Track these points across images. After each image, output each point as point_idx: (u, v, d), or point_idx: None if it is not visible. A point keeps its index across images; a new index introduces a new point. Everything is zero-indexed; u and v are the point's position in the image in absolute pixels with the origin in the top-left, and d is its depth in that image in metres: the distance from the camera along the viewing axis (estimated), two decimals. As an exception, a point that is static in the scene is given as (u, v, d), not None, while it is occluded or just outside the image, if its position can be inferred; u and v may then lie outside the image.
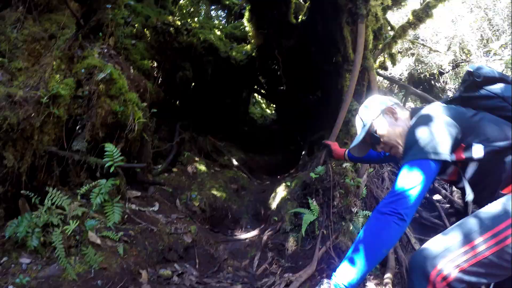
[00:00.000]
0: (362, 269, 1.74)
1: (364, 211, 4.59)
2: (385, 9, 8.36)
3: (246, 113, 11.82)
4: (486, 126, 2.04)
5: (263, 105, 15.36)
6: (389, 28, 9.71)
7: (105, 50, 4.83)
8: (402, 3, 9.03)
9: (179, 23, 7.64)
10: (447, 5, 8.73)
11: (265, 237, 4.99)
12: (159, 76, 7.51)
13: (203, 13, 11.39)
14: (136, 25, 6.76)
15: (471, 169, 2.06)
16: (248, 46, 8.90)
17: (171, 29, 7.32)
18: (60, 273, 3.12)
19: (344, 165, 5.11)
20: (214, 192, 5.97)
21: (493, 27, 12.66)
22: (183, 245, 4.46)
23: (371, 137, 2.38)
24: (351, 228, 4.45)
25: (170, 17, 7.67)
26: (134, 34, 6.63)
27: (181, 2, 9.98)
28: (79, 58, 4.39)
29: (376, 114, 2.36)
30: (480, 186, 2.08)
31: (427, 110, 2.21)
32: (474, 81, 2.17)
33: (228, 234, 5.58)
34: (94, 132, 4.27)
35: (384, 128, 2.32)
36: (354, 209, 4.66)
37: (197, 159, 6.92)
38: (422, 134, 2.01)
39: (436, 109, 2.16)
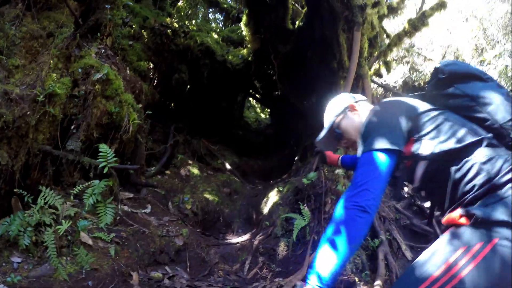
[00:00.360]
0: (335, 267, 1.67)
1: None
2: (381, 17, 8.41)
3: (241, 117, 11.85)
4: (442, 124, 1.94)
5: (258, 110, 15.38)
6: (385, 36, 9.76)
7: (102, 50, 4.84)
8: (398, 12, 9.10)
9: (176, 25, 7.66)
10: (443, 14, 8.79)
11: (256, 242, 5.00)
12: (155, 77, 7.53)
13: (200, 16, 11.39)
14: (133, 25, 6.78)
15: (420, 168, 1.97)
16: (245, 50, 8.93)
17: (169, 31, 7.33)
18: (51, 273, 3.12)
19: (336, 172, 5.14)
20: (207, 195, 5.98)
21: (488, 37, 12.77)
22: (174, 248, 4.46)
23: (334, 133, 2.38)
24: (342, 234, 4.46)
25: (168, 19, 7.70)
26: (131, 35, 6.64)
27: (179, 4, 9.99)
28: (76, 58, 4.40)
29: (339, 111, 2.34)
30: (430, 190, 2.04)
31: (382, 102, 2.14)
32: (439, 78, 2.08)
33: (219, 237, 5.59)
34: (89, 132, 4.27)
35: (345, 125, 2.31)
36: (346, 216, 4.67)
37: (190, 162, 6.93)
38: (373, 125, 1.96)
39: (391, 101, 2.11)
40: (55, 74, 4.04)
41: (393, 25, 13.54)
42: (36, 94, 3.69)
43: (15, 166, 3.60)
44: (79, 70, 4.29)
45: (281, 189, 5.88)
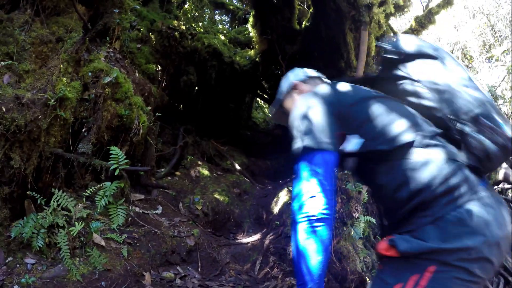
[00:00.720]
0: (315, 276, 1.54)
1: (365, 217, 4.61)
2: (388, 15, 8.41)
3: (249, 118, 11.87)
4: (378, 117, 1.69)
5: (266, 110, 15.39)
6: (392, 34, 9.75)
7: (111, 54, 4.88)
8: (405, 10, 9.09)
9: (183, 27, 7.70)
10: (449, 11, 8.77)
11: (267, 241, 5.02)
12: (164, 80, 7.57)
13: (207, 18, 11.44)
14: (141, 29, 6.83)
15: (348, 166, 1.76)
16: (252, 51, 8.96)
17: (176, 33, 7.37)
18: (64, 273, 3.15)
19: (346, 171, 5.14)
20: (217, 196, 6.00)
21: (495, 33, 12.71)
22: (186, 248, 4.49)
23: (283, 111, 2.23)
24: (352, 233, 4.47)
25: (175, 22, 7.74)
26: (139, 38, 6.69)
27: (185, 6, 10.04)
28: (86, 62, 4.44)
29: (285, 90, 2.19)
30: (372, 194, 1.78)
31: (311, 91, 1.89)
32: (386, 59, 1.86)
33: (230, 238, 5.61)
34: (100, 135, 4.31)
35: (288, 105, 2.15)
36: (356, 215, 4.68)
37: (200, 163, 6.95)
38: (299, 121, 1.74)
39: (321, 91, 1.84)
40: (65, 78, 4.09)
41: (400, 23, 13.53)
42: (47, 98, 3.73)
43: (27, 169, 3.64)
44: (89, 74, 4.34)
45: (291, 189, 5.88)
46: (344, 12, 6.38)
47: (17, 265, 3.10)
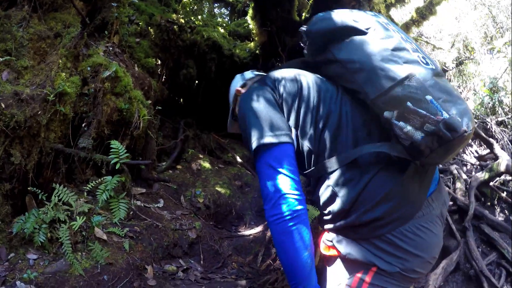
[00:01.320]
0: (304, 273, 1.49)
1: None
2: (388, 6, 8.37)
3: (250, 111, 11.85)
4: (304, 105, 1.59)
5: (267, 103, 15.36)
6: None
7: (110, 48, 4.88)
8: (406, 1, 9.04)
9: (182, 21, 7.66)
10: (450, 2, 8.72)
11: (268, 233, 5.02)
12: (163, 73, 7.55)
13: (206, 11, 11.39)
14: (140, 23, 6.80)
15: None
16: (252, 44, 8.91)
17: (175, 27, 7.34)
18: (67, 268, 3.16)
19: None
20: (218, 188, 6.01)
21: (497, 25, 12.64)
22: (188, 241, 4.51)
23: (234, 119, 2.09)
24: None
25: (174, 15, 7.70)
26: (138, 32, 6.66)
27: (184, 0, 10.00)
28: (85, 56, 4.43)
29: (232, 98, 2.07)
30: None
31: (253, 84, 1.79)
32: (309, 43, 1.76)
33: (232, 230, 5.62)
34: (100, 130, 4.31)
35: (236, 112, 2.00)
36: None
37: (201, 156, 6.96)
38: (246, 118, 1.63)
39: (264, 83, 1.73)
40: (64, 74, 4.08)
41: (401, 14, 13.44)
42: (46, 94, 3.73)
43: (28, 165, 3.65)
44: (88, 68, 4.33)
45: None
46: (344, 2, 6.34)
47: (19, 261, 3.11)
